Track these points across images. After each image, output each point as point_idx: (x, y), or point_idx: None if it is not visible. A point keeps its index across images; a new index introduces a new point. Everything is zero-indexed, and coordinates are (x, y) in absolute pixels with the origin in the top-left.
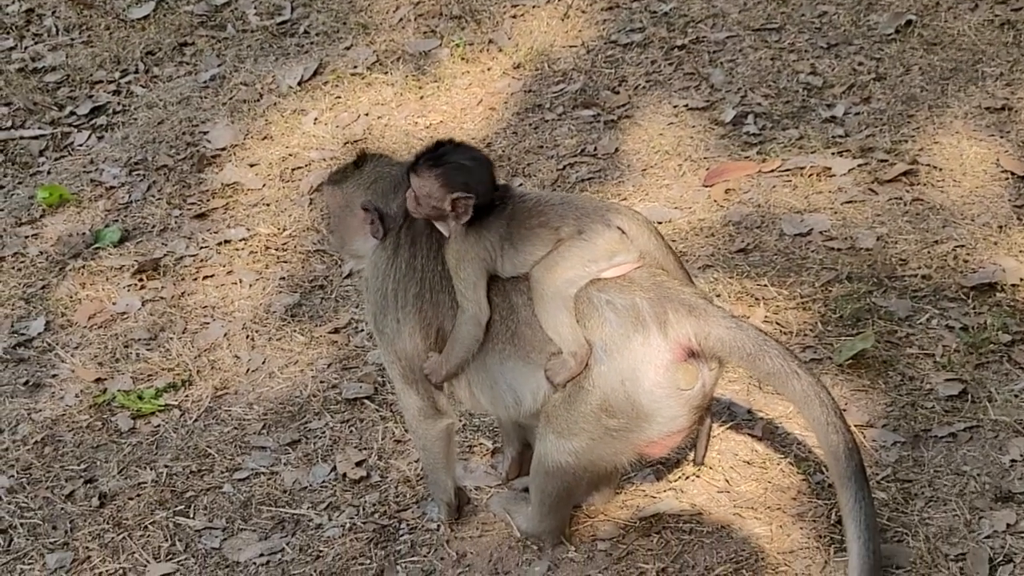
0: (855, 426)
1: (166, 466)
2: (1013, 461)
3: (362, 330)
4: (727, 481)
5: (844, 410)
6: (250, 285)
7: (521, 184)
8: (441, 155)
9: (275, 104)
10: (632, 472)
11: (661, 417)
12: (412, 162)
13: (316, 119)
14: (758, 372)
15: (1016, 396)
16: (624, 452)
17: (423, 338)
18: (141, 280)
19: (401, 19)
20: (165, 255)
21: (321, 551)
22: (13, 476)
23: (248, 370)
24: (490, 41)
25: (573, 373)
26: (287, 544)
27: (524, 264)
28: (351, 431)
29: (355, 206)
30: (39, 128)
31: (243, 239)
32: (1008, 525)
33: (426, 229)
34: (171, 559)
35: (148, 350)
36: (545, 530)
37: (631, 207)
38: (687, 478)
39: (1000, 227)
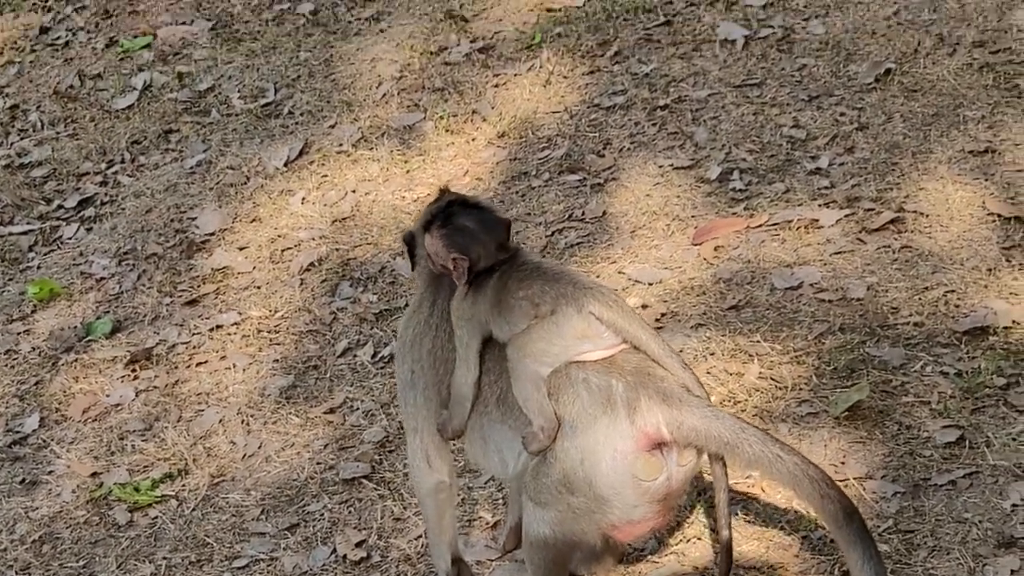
0: (854, 479)
1: (165, 558)
2: (1014, 506)
3: (358, 408)
4: None
5: (842, 462)
6: (244, 369)
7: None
8: (450, 215)
9: (262, 186)
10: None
11: (618, 504)
12: (426, 221)
13: (303, 199)
14: (740, 460)
15: (1014, 439)
16: (589, 532)
17: (435, 392)
18: (134, 370)
19: (384, 94)
20: (157, 344)
21: None
22: None
23: (244, 455)
24: (474, 111)
25: (543, 446)
26: None
27: (507, 329)
28: (350, 512)
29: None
30: (27, 223)
31: (235, 323)
32: (1012, 572)
33: (447, 287)
34: None
35: (143, 441)
36: None
37: (613, 291)
38: (688, 541)
39: (989, 270)
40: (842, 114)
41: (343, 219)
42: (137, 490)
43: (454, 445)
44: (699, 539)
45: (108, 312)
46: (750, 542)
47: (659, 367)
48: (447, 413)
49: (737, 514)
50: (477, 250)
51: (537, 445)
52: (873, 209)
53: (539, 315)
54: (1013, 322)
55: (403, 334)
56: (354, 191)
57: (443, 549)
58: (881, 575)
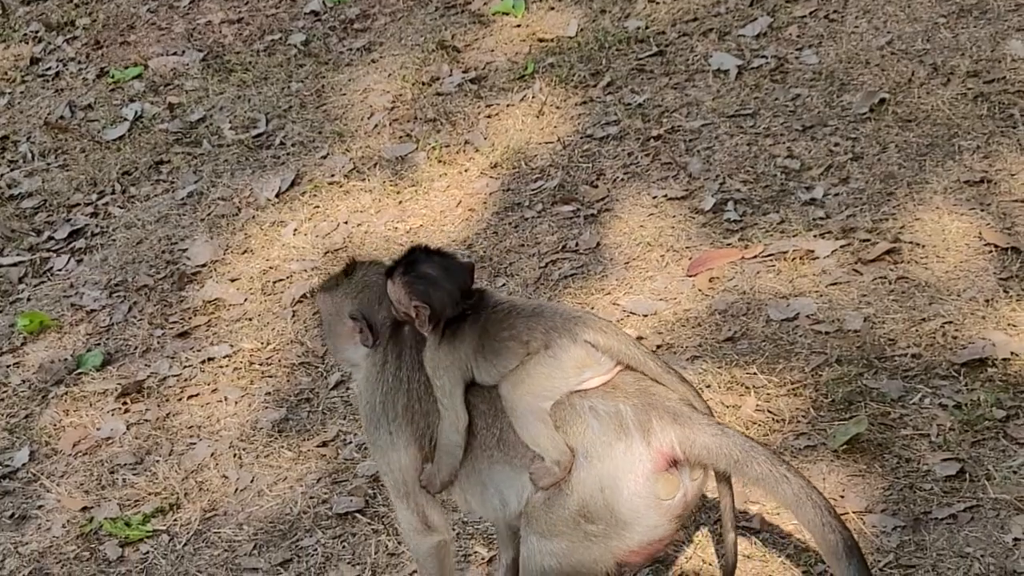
0: (853, 512)
1: None
2: (1016, 540)
3: (351, 442)
4: None
5: (842, 496)
6: (235, 402)
7: (504, 284)
8: (412, 263)
9: (254, 217)
10: None
11: (640, 526)
12: (389, 267)
13: (295, 230)
14: (746, 478)
15: (1015, 472)
16: (604, 559)
17: (418, 448)
18: (125, 403)
19: (376, 125)
20: (148, 376)
21: None
22: None
23: (237, 489)
24: (466, 142)
25: (557, 479)
26: None
27: (498, 375)
28: (343, 547)
29: (344, 314)
30: (17, 255)
31: (227, 356)
32: None
33: (411, 339)
34: None
35: (134, 474)
36: None
37: (602, 317)
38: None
39: (987, 301)
40: (836, 144)
41: (335, 250)
42: (128, 525)
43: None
44: (697, 574)
45: (99, 344)
46: None
47: (659, 385)
48: (433, 467)
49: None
50: (440, 297)
51: (550, 479)
52: (869, 240)
53: (531, 351)
54: (1012, 353)
55: (369, 399)
56: (346, 222)
57: None
58: None
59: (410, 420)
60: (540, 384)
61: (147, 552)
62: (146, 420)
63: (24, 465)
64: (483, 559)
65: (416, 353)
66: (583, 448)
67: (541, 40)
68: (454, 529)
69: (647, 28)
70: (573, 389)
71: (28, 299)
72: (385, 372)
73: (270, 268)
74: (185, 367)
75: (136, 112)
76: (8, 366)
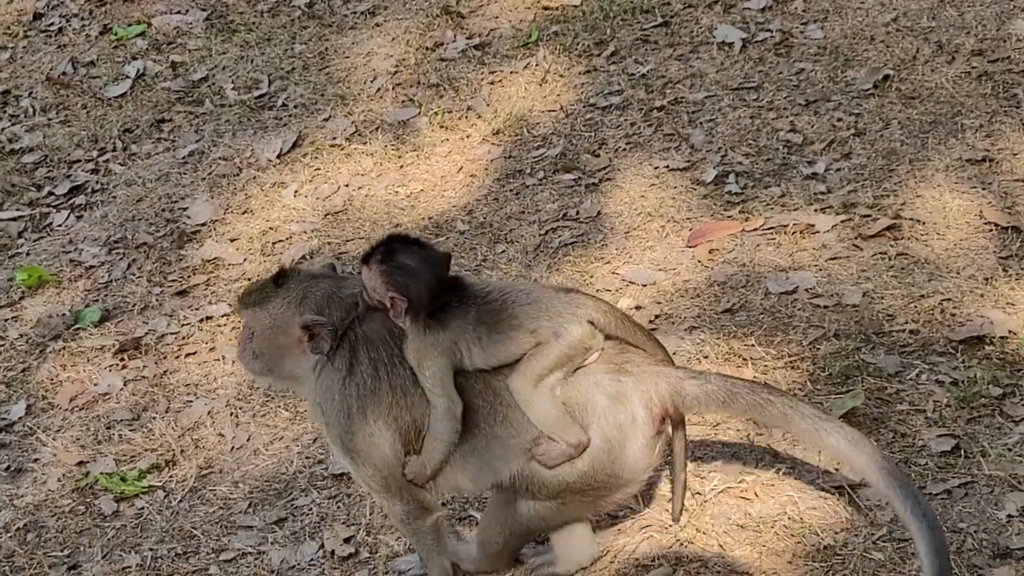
0: (848, 486)
1: (151, 549)
2: (1010, 516)
3: None
4: (721, 547)
5: (836, 469)
6: (233, 361)
7: (503, 251)
8: (390, 252)
9: (254, 178)
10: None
11: (636, 483)
12: (365, 253)
13: (296, 192)
14: (736, 412)
15: (1010, 450)
16: (587, 511)
17: (403, 443)
18: (123, 360)
19: (379, 89)
20: (146, 334)
21: None
22: None
23: (233, 448)
24: (468, 108)
25: (570, 458)
26: None
27: (495, 361)
28: (338, 507)
29: (289, 325)
30: (17, 209)
31: (225, 315)
32: None
33: (381, 334)
34: None
35: (131, 431)
36: (500, 566)
37: (591, 293)
38: (681, 544)
39: (986, 279)
40: (839, 120)
41: (335, 213)
42: (124, 480)
43: None
44: (691, 542)
45: (97, 300)
46: (743, 547)
47: (642, 351)
48: (421, 458)
49: (730, 519)
50: (418, 289)
51: (562, 459)
52: (869, 215)
53: (541, 340)
54: (1010, 332)
55: (340, 407)
56: (347, 185)
57: (445, 564)
58: (894, 472)
59: (394, 417)
60: (554, 368)
61: (142, 507)
62: (143, 377)
63: (20, 419)
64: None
65: (389, 347)
66: (594, 425)
67: (546, 8)
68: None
69: None
70: (579, 367)
71: (27, 254)
72: (356, 375)
73: (270, 229)
74: (183, 325)
75: (138, 70)
76: (6, 320)
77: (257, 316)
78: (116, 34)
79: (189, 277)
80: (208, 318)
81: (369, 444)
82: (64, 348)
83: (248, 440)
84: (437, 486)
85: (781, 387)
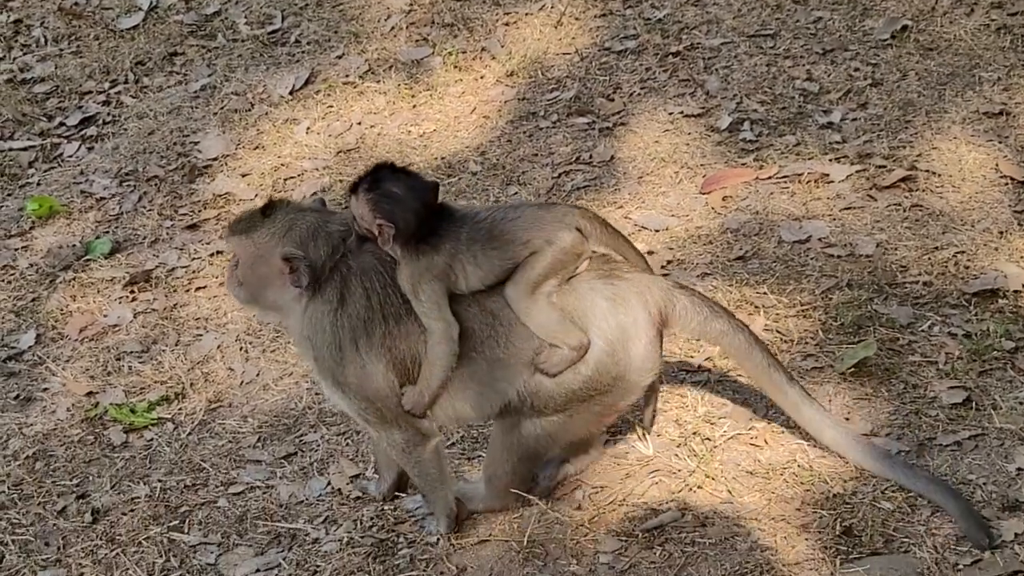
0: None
1: (160, 481)
2: (1019, 469)
3: None
4: (730, 492)
5: (847, 418)
6: None
7: (516, 193)
8: (377, 180)
9: (266, 114)
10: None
11: (639, 387)
12: (352, 183)
13: (308, 128)
14: (711, 336)
15: (1021, 403)
16: (594, 424)
17: (397, 374)
18: (132, 292)
19: (393, 27)
20: (157, 267)
21: (318, 566)
22: (4, 492)
23: (242, 382)
24: (483, 49)
25: (572, 362)
26: (283, 559)
27: (491, 279)
28: (347, 444)
29: (272, 256)
30: (28, 139)
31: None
32: (1016, 535)
33: (372, 265)
34: (166, 575)
35: (140, 363)
36: (508, 501)
37: (576, 204)
38: (690, 489)
39: (1000, 233)
40: (856, 69)
41: (347, 151)
42: (133, 411)
43: None
44: (700, 487)
45: (108, 232)
46: (752, 494)
47: (627, 260)
48: (418, 387)
49: (739, 465)
50: (405, 217)
51: (565, 365)
52: (885, 166)
53: (534, 250)
54: (1023, 286)
55: (330, 339)
56: (359, 123)
57: (448, 496)
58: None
59: (389, 348)
60: (548, 275)
61: (151, 439)
62: (153, 309)
63: (30, 348)
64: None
65: (381, 277)
66: (595, 327)
67: None
68: (461, 434)
69: None
70: (572, 275)
71: (38, 184)
72: (349, 307)
73: (281, 165)
74: (194, 259)
75: (151, 2)
76: (16, 249)
77: (242, 244)
78: None
79: (200, 211)
80: (218, 252)
81: (361, 376)
82: (74, 279)
83: (258, 375)
84: (435, 416)
85: (793, 336)
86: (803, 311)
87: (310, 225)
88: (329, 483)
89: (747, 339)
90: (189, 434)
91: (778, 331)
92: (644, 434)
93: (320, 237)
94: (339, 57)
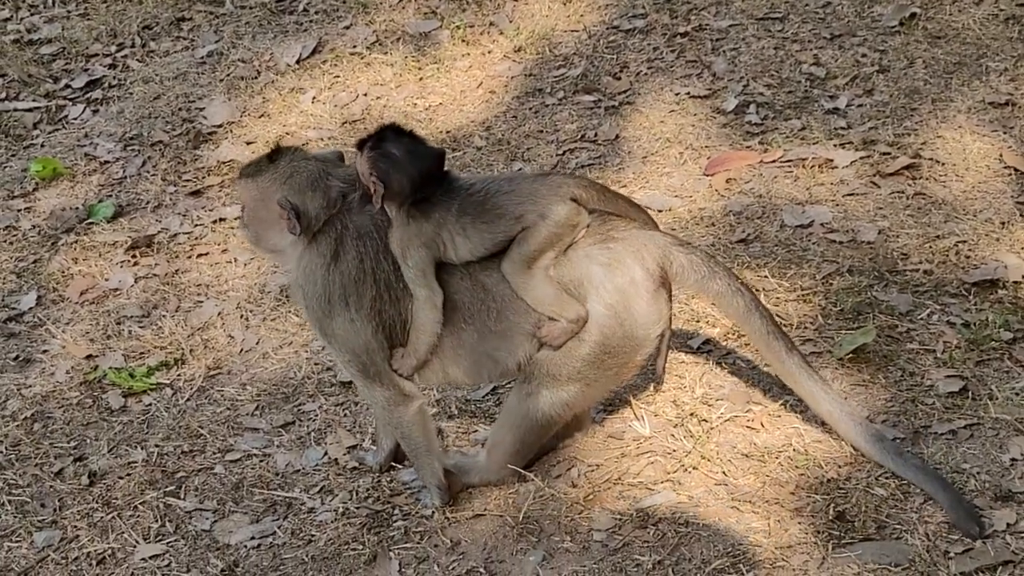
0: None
1: (157, 446)
2: (1013, 460)
3: None
4: (725, 474)
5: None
6: (245, 264)
7: (520, 169)
8: (381, 140)
9: (273, 82)
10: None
11: (650, 341)
12: (360, 139)
13: (314, 98)
14: (709, 294)
15: (1017, 394)
16: (611, 386)
17: (386, 336)
18: (134, 256)
19: None
20: (159, 232)
21: (313, 535)
22: (2, 453)
23: (242, 350)
24: (491, 24)
25: (573, 333)
26: (279, 527)
27: (481, 250)
28: (345, 414)
29: (270, 200)
30: (33, 100)
31: (238, 217)
32: (1008, 525)
33: (369, 228)
34: (160, 540)
35: (140, 327)
36: (506, 475)
37: (571, 174)
38: (685, 470)
39: (1003, 223)
40: (864, 55)
41: (353, 121)
42: (132, 376)
43: None
44: (695, 468)
45: (111, 196)
46: (747, 476)
47: (626, 218)
48: (407, 350)
49: (735, 447)
50: (399, 179)
51: (566, 337)
52: (889, 153)
53: (527, 224)
54: (1023, 277)
55: (320, 291)
56: (366, 94)
57: (435, 465)
58: (828, 392)
59: (378, 311)
60: (545, 249)
61: (150, 404)
62: (154, 275)
63: (31, 309)
64: (475, 436)
65: (376, 241)
66: (594, 294)
67: None
68: (452, 407)
69: None
70: (569, 245)
71: (42, 145)
72: (340, 263)
73: (286, 134)
74: (196, 225)
75: None
76: (19, 210)
77: (247, 187)
78: None
79: (204, 178)
80: (221, 219)
81: (348, 330)
82: (76, 242)
83: (257, 343)
84: (426, 378)
85: (792, 320)
86: (803, 295)
87: (311, 174)
88: (326, 453)
89: (746, 303)
90: (187, 400)
91: (778, 315)
92: (641, 414)
93: (319, 188)
94: (347, 27)
